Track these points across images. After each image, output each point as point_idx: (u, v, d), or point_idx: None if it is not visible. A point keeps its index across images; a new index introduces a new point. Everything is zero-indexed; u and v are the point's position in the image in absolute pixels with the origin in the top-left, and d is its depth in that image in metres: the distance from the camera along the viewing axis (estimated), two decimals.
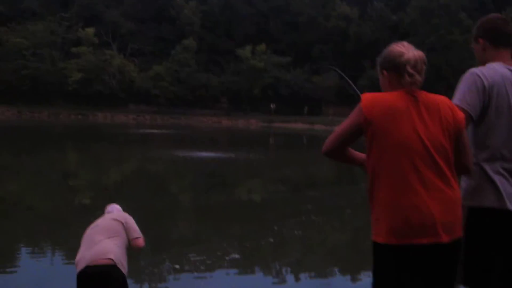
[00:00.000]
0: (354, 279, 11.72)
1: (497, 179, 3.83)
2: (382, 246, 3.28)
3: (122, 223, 5.89)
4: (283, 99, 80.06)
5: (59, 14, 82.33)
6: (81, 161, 30.22)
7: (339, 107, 77.06)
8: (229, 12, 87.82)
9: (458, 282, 3.69)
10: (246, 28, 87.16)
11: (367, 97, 3.34)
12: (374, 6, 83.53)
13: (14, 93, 72.68)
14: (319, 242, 14.25)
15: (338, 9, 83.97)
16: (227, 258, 11.55)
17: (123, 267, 5.45)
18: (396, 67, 3.39)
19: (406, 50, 3.42)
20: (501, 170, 3.85)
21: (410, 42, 3.53)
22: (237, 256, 11.96)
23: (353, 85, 5.37)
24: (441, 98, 3.46)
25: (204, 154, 33.23)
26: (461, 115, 3.47)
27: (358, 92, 3.95)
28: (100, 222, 6.09)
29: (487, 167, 3.85)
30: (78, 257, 5.65)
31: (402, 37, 72.73)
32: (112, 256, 5.35)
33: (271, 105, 79.35)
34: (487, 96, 3.78)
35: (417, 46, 3.50)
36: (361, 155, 3.64)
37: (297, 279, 11.48)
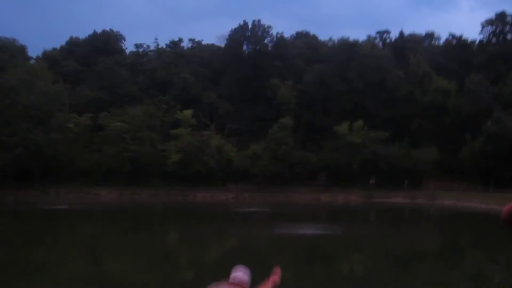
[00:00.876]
0: None
1: None
2: None
3: None
4: (382, 173, 79.08)
5: (158, 97, 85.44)
6: (184, 240, 30.71)
7: (440, 181, 75.21)
8: (325, 90, 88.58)
9: None
10: (342, 104, 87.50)
11: None
12: (471, 79, 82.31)
13: (116, 175, 75.22)
14: None
15: (436, 83, 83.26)
16: None
17: None
18: None
19: None
20: None
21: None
22: None
23: None
24: None
25: (306, 231, 33.04)
26: None
27: None
28: None
29: None
30: None
31: (504, 107, 71.04)
32: None
33: (371, 180, 78.47)
34: None
35: None
36: None
37: None
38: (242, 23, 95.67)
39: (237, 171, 80.00)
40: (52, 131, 73.30)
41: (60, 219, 41.71)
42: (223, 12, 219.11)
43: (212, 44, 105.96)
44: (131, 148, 76.52)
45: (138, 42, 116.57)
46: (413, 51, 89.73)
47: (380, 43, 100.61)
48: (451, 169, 76.31)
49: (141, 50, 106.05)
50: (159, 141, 79.92)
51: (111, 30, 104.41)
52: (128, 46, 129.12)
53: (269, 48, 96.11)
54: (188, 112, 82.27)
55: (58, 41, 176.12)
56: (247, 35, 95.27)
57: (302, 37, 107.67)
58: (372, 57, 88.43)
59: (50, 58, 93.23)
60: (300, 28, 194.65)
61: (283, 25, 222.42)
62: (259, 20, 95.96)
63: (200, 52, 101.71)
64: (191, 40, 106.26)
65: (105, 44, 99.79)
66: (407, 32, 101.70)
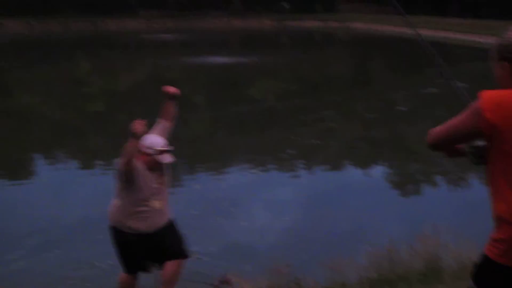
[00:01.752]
0: (366, 171, 12.07)
1: None
2: (496, 264, 2.67)
3: None
4: None
5: None
6: (94, 69, 30.25)
7: (353, 3, 75.67)
8: None
9: None
10: None
11: (489, 98, 2.62)
12: None
13: (23, 4, 71.74)
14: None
15: None
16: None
17: None
18: None
19: None
20: None
21: None
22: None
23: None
24: None
25: (217, 58, 33.02)
26: None
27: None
28: None
29: None
30: None
31: None
32: None
33: (284, 4, 78.18)
34: None
35: None
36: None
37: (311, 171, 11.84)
38: None
39: None
40: None
41: None
42: None
43: None
44: None
45: None
46: None
47: None
48: None
49: None
50: None
51: None
52: None
53: None
54: None
55: None
56: None
57: None
58: None
59: None
60: None
61: None
62: None
63: None
64: None
65: None
66: None
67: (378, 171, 11.98)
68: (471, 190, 10.53)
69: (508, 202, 2.61)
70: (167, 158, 5.34)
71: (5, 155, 13.05)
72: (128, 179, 5.16)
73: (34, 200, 9.66)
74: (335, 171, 12.15)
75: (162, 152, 5.31)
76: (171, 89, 5.69)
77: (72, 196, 9.91)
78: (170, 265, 5.44)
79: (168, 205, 5.56)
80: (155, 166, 5.33)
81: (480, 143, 2.79)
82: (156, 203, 5.35)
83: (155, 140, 5.35)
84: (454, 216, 8.75)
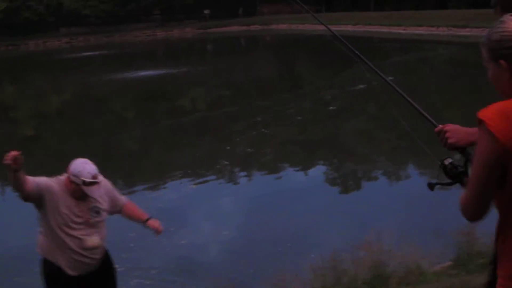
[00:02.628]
0: (304, 174, 12.13)
1: None
2: None
3: None
4: (217, 3, 78.62)
5: None
6: (22, 93, 29.43)
7: (274, 5, 76.19)
8: None
9: None
10: None
11: (492, 114, 2.09)
12: None
13: None
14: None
15: None
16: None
17: None
18: None
19: None
20: None
21: None
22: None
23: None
24: None
25: (144, 72, 32.64)
26: None
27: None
28: None
29: None
30: None
31: None
32: None
33: (205, 11, 78.26)
34: None
35: None
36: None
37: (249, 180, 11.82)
38: None
39: (69, 14, 76.53)
40: None
41: None
42: None
43: None
44: None
45: None
46: None
47: None
48: None
49: None
50: None
51: None
52: None
53: None
54: None
55: None
56: None
57: None
58: None
59: None
60: None
61: None
62: None
63: None
64: None
65: None
66: None
67: (316, 173, 12.03)
68: (409, 186, 10.67)
69: None
70: (94, 192, 4.64)
71: None
72: (35, 204, 4.58)
73: None
74: (273, 178, 12.12)
75: (89, 184, 4.57)
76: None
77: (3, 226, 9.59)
78: None
79: (103, 244, 4.85)
80: (79, 196, 4.61)
81: (456, 162, 2.50)
82: (87, 241, 4.64)
83: (83, 168, 4.59)
84: (395, 213, 8.81)
